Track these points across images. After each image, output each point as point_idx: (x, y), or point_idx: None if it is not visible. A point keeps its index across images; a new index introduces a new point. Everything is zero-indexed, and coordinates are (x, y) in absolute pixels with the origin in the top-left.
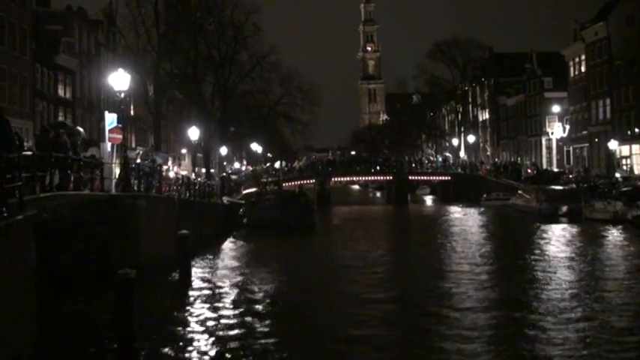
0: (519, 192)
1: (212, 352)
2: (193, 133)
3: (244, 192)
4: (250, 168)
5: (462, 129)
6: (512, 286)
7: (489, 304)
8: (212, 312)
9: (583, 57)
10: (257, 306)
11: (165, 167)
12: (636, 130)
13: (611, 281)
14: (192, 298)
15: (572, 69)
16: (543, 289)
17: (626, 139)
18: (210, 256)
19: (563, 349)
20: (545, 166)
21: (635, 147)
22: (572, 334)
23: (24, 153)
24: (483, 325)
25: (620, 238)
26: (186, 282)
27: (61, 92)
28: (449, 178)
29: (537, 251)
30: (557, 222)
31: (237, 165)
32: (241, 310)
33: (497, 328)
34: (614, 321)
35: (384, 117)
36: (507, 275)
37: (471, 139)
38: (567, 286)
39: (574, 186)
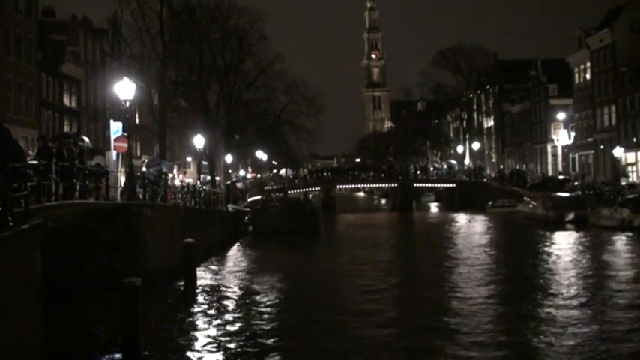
0: (525, 199)
1: None
2: (198, 141)
3: (249, 200)
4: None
5: (467, 136)
6: (519, 294)
7: (495, 311)
8: (217, 320)
9: (588, 64)
10: (262, 314)
11: (170, 175)
12: None
13: (620, 289)
14: (197, 306)
15: (577, 76)
16: (550, 297)
17: (631, 147)
18: (216, 264)
19: (569, 357)
20: (550, 173)
21: None
22: (579, 341)
23: (30, 162)
24: (488, 331)
25: (629, 245)
26: (191, 290)
27: (66, 101)
28: (454, 185)
29: (544, 258)
30: (564, 229)
31: (242, 173)
32: (246, 318)
33: (503, 335)
34: (621, 329)
35: (388, 124)
36: (514, 282)
37: (476, 146)
38: (576, 293)
39: (580, 193)
